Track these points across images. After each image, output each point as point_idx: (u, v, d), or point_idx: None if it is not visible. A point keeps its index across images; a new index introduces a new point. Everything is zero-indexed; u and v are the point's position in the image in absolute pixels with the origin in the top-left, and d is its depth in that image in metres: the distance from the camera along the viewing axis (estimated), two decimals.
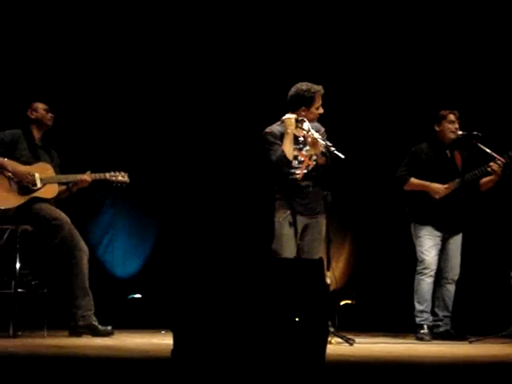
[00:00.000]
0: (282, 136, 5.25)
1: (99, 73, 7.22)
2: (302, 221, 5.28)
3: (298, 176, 5.26)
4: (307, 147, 5.26)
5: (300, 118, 5.17)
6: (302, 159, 5.27)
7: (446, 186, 5.97)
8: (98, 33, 7.18)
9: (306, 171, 5.27)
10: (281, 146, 5.22)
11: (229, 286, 3.44)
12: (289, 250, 5.22)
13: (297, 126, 5.19)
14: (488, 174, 5.89)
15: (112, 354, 4.37)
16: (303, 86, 5.25)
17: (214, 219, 7.37)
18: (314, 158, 5.28)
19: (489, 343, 5.49)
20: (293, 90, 5.29)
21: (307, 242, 5.30)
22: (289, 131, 5.19)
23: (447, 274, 6.02)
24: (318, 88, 5.26)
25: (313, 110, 5.26)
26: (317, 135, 5.12)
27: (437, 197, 5.96)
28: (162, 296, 6.67)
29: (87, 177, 5.63)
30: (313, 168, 5.29)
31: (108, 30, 7.22)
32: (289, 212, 5.25)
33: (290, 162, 5.23)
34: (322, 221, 5.33)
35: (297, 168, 5.27)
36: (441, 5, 7.30)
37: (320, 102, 5.29)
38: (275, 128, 5.32)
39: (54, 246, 5.51)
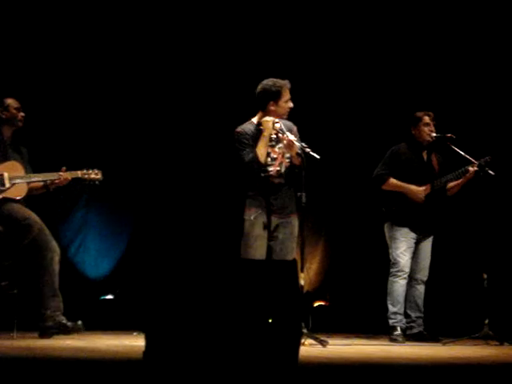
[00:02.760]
0: (253, 136, 5.23)
1: (71, 69, 7.14)
2: (273, 220, 5.24)
3: (271, 173, 5.23)
4: (280, 144, 5.25)
5: (276, 121, 5.15)
6: (275, 156, 5.25)
7: (423, 188, 5.99)
8: (70, 28, 7.11)
9: (278, 168, 5.25)
10: (252, 147, 5.19)
11: (202, 287, 3.41)
12: (259, 249, 5.18)
13: (274, 129, 5.16)
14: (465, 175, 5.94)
15: (83, 355, 4.32)
16: (269, 81, 5.25)
17: (187, 219, 7.33)
18: (288, 155, 5.25)
19: (462, 345, 5.53)
20: (259, 86, 5.28)
21: (279, 242, 5.25)
22: (265, 134, 5.17)
23: (417, 275, 6.04)
24: (284, 82, 5.25)
25: (281, 103, 5.23)
26: (292, 137, 5.10)
27: (418, 200, 5.97)
28: (134, 297, 6.63)
29: (68, 175, 5.55)
30: (286, 167, 5.27)
31: (79, 25, 7.14)
32: (260, 211, 5.21)
33: (263, 165, 5.19)
34: (295, 221, 5.30)
35: (270, 165, 5.25)
36: (417, 7, 7.33)
37: (288, 96, 5.25)
38: (247, 127, 5.29)
39: (25, 246, 5.43)
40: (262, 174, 5.22)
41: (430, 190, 5.99)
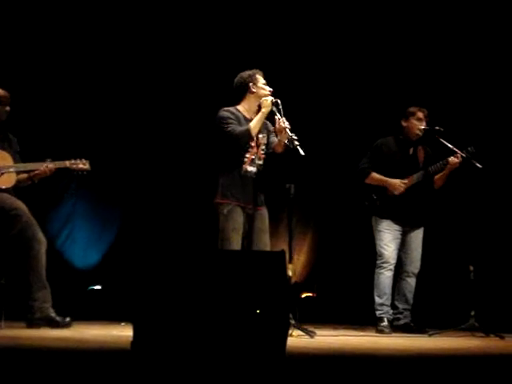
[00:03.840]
0: (237, 117, 5.29)
1: (59, 59, 7.11)
2: (246, 211, 5.26)
3: (245, 160, 5.26)
4: (260, 134, 5.29)
5: (275, 101, 5.20)
6: (253, 144, 5.29)
7: (404, 181, 6.01)
8: (54, 18, 7.08)
9: (253, 157, 5.27)
10: (238, 123, 5.24)
11: (190, 277, 3.42)
12: (235, 243, 5.19)
13: (272, 109, 5.21)
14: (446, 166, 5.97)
15: (71, 345, 4.31)
16: (243, 73, 5.40)
17: (175, 211, 7.33)
18: (263, 147, 5.29)
19: (448, 336, 5.55)
20: (236, 79, 5.42)
21: (256, 233, 5.29)
22: (264, 110, 5.25)
23: (407, 267, 6.07)
24: (256, 70, 5.39)
25: (259, 86, 5.34)
26: (287, 124, 5.13)
27: (396, 193, 6.00)
28: (121, 288, 6.62)
29: (52, 166, 5.52)
30: (260, 159, 5.31)
31: (62, 16, 7.11)
32: (233, 202, 5.23)
33: (253, 138, 5.23)
34: (265, 213, 5.35)
35: (246, 151, 5.27)
36: (408, 1, 7.34)
37: (263, 81, 5.37)
38: (231, 109, 5.37)
39: (12, 236, 5.40)
40: (239, 158, 5.25)
41: (422, 178, 6.01)
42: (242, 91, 5.39)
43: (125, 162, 7.35)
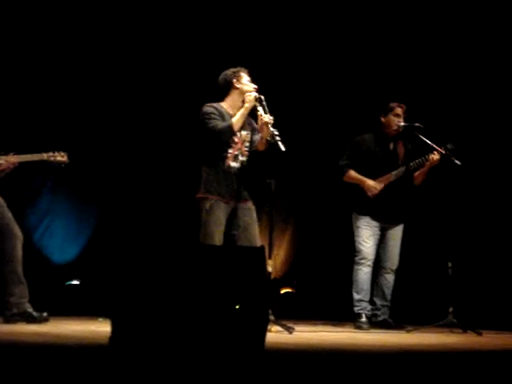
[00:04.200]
0: (221, 113, 5.29)
1: (38, 51, 7.05)
2: (229, 206, 5.25)
3: (228, 155, 5.25)
4: (243, 131, 5.28)
5: (258, 97, 5.19)
6: (236, 140, 5.29)
7: (379, 184, 6.01)
8: (33, 12, 7.02)
9: (237, 153, 5.27)
10: (221, 119, 5.22)
11: (168, 272, 3.40)
12: (217, 238, 5.18)
13: (255, 104, 5.20)
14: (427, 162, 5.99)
15: (48, 340, 4.28)
16: (227, 70, 5.41)
17: (153, 206, 7.30)
18: (247, 143, 5.30)
19: (426, 332, 5.58)
20: (220, 76, 5.42)
21: (243, 229, 5.27)
22: (247, 105, 5.24)
23: (386, 263, 6.09)
24: (241, 68, 5.40)
25: (243, 82, 5.34)
26: (267, 119, 5.13)
27: (369, 194, 6.02)
28: (99, 283, 6.59)
29: (14, 159, 5.40)
30: (243, 155, 5.30)
31: (39, 14, 7.06)
32: (216, 197, 5.22)
33: (235, 134, 5.22)
34: (252, 207, 5.34)
35: (230, 147, 5.26)
36: None
37: (248, 77, 5.37)
38: (214, 104, 5.37)
39: None
40: (221, 154, 5.24)
41: (402, 175, 6.03)
42: (225, 88, 5.39)
43: (103, 156, 7.30)
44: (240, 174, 5.30)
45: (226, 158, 5.27)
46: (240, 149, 5.32)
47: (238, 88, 5.35)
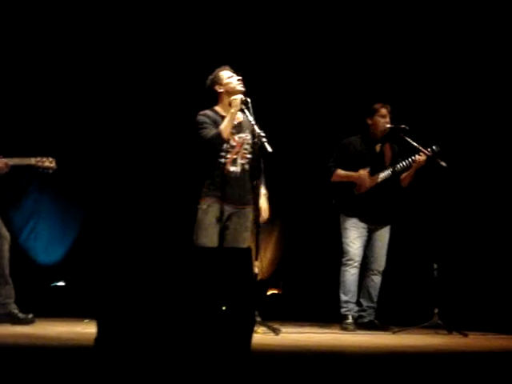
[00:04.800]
0: (215, 119, 5.26)
1: (25, 55, 7.02)
2: (227, 209, 5.22)
3: (227, 160, 5.23)
4: (241, 134, 5.26)
5: (244, 99, 5.18)
6: (234, 144, 5.26)
7: (371, 177, 6.03)
8: (17, 14, 6.98)
9: (235, 156, 5.26)
10: (214, 127, 5.21)
11: (155, 274, 3.39)
12: (210, 238, 5.16)
13: (241, 107, 5.19)
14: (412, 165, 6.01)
15: (34, 342, 4.27)
16: (209, 77, 5.40)
17: (140, 207, 7.28)
18: (246, 146, 5.28)
19: (412, 334, 5.59)
20: (207, 81, 5.41)
21: (231, 231, 5.25)
22: (233, 111, 5.20)
23: (372, 265, 6.10)
24: (218, 68, 5.38)
25: (226, 82, 5.31)
26: (252, 120, 5.12)
27: (362, 189, 6.02)
28: (85, 284, 6.56)
29: (6, 162, 5.38)
30: (244, 158, 5.28)
31: (24, 12, 7.02)
32: (214, 199, 5.21)
33: (225, 140, 5.20)
34: (249, 212, 5.29)
35: (227, 152, 5.24)
36: None
37: (229, 74, 5.35)
38: (208, 111, 5.34)
39: None
40: (219, 160, 5.22)
41: (389, 176, 6.05)
42: (213, 94, 5.37)
43: (88, 157, 7.27)
44: (241, 177, 5.26)
45: (224, 163, 5.23)
46: (239, 152, 5.28)
47: (222, 91, 5.32)
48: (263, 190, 5.34)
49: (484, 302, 6.63)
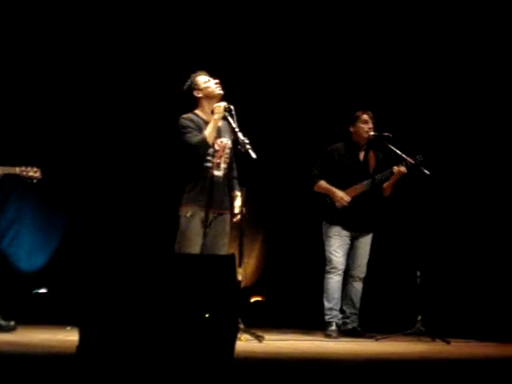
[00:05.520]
0: (197, 123, 5.26)
1: (7, 62, 6.98)
2: (207, 215, 5.20)
3: (212, 164, 5.23)
4: (223, 139, 5.26)
5: (227, 106, 5.18)
6: (217, 148, 5.25)
7: (347, 196, 6.04)
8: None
9: (219, 161, 5.25)
10: (197, 131, 5.20)
11: (138, 281, 3.38)
12: (194, 246, 5.14)
13: (225, 114, 5.19)
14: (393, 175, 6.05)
15: (15, 349, 4.24)
16: (188, 80, 5.40)
17: (122, 214, 7.25)
18: (227, 151, 5.27)
19: (395, 341, 5.61)
20: (184, 86, 5.41)
21: (210, 237, 5.23)
22: (216, 117, 5.21)
23: (354, 272, 6.12)
24: (194, 74, 5.38)
25: (203, 86, 5.31)
26: (235, 126, 5.12)
27: (337, 205, 6.05)
28: (67, 291, 6.52)
29: None
30: (226, 162, 5.28)
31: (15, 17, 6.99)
32: (198, 206, 5.19)
33: (210, 146, 5.19)
34: (227, 218, 5.29)
35: (212, 156, 5.24)
36: (355, 4, 7.40)
37: (205, 78, 5.34)
38: (191, 115, 5.34)
39: None
40: (203, 164, 5.21)
41: (370, 187, 6.08)
42: (191, 95, 5.37)
43: (71, 164, 7.23)
44: (223, 182, 5.26)
45: (209, 167, 5.23)
46: (222, 156, 5.28)
47: (201, 96, 5.33)
48: (237, 192, 5.33)
49: (467, 309, 6.66)
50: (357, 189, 6.09)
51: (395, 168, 6.00)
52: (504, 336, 5.76)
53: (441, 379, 3.60)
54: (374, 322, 6.25)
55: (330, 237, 6.06)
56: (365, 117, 6.13)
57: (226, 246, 5.27)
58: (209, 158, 5.22)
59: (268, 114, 7.52)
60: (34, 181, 5.53)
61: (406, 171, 5.97)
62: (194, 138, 5.19)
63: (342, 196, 6.06)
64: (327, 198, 6.12)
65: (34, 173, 5.50)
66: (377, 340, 5.66)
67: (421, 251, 5.88)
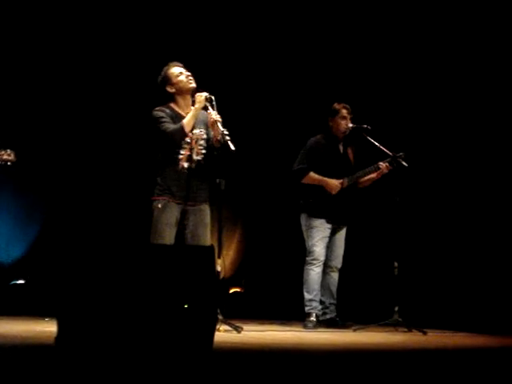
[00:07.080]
0: (171, 116, 5.23)
1: None
2: (182, 207, 5.19)
3: (181, 156, 5.20)
4: (196, 130, 5.24)
5: (208, 97, 5.16)
6: (189, 141, 5.22)
7: (340, 181, 6.09)
8: None
9: (189, 153, 5.23)
10: (172, 121, 5.19)
11: (116, 271, 3.38)
12: (167, 238, 5.12)
13: (205, 104, 5.17)
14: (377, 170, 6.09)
15: None
16: (161, 73, 5.37)
17: (101, 205, 7.23)
18: (201, 142, 5.24)
19: (372, 331, 5.65)
20: (158, 79, 5.37)
21: (190, 229, 5.21)
22: (197, 106, 5.18)
23: (332, 262, 6.15)
24: (165, 67, 5.34)
25: (176, 80, 5.27)
26: (218, 118, 5.10)
27: (333, 192, 6.08)
28: (45, 282, 6.50)
29: None
30: (198, 154, 5.25)
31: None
32: (168, 197, 5.18)
33: (186, 135, 5.17)
34: (206, 209, 5.25)
35: (182, 148, 5.21)
36: None
37: (178, 70, 5.31)
38: (163, 108, 5.30)
39: None
40: (174, 156, 5.18)
41: (354, 180, 6.12)
42: (164, 88, 5.33)
43: (50, 154, 7.20)
44: (195, 174, 5.23)
45: (178, 159, 5.19)
46: (193, 148, 5.25)
47: (174, 90, 5.30)
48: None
49: (443, 300, 6.72)
50: (343, 183, 6.12)
51: (381, 164, 6.04)
52: (478, 326, 5.83)
53: (417, 369, 3.64)
54: (352, 313, 6.29)
55: (313, 229, 6.08)
56: (344, 112, 6.15)
57: (207, 238, 5.25)
58: (179, 150, 5.19)
59: (246, 106, 7.52)
60: (9, 163, 5.49)
61: (391, 167, 6.02)
62: (170, 126, 5.17)
63: (335, 182, 6.08)
64: (310, 198, 6.13)
65: (7, 156, 5.46)
66: (354, 330, 5.69)
67: (398, 242, 5.91)
